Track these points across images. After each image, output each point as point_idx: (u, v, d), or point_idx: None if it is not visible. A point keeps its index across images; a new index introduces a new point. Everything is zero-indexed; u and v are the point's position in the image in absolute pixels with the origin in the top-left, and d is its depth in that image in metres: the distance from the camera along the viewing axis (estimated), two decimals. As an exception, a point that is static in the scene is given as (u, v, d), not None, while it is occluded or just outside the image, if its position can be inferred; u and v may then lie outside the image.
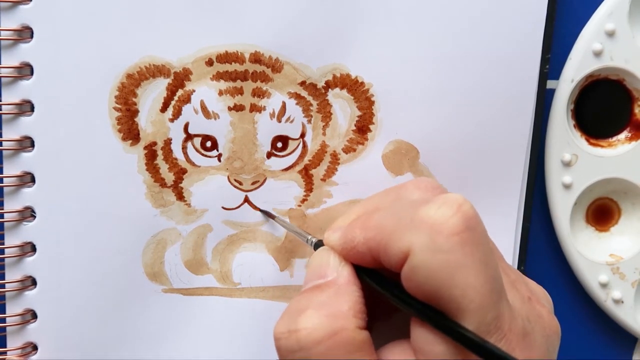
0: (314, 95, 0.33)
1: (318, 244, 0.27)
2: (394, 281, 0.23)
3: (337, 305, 0.23)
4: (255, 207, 0.33)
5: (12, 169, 0.32)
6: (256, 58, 0.32)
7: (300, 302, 0.23)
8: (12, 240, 0.33)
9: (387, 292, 0.23)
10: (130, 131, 0.32)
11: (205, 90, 0.32)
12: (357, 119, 0.33)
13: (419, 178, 0.27)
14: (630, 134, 0.36)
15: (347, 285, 0.24)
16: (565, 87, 0.35)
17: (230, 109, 0.32)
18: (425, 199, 0.23)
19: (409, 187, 0.26)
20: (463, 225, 0.21)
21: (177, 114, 0.32)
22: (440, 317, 0.21)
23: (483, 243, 0.22)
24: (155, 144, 0.33)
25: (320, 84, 0.33)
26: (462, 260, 0.21)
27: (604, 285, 0.36)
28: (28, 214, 0.33)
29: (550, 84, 0.35)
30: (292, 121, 0.33)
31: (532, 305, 0.24)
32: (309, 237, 0.29)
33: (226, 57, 0.32)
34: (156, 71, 0.32)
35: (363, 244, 0.23)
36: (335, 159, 0.33)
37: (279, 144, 0.33)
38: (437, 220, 0.21)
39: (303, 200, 0.33)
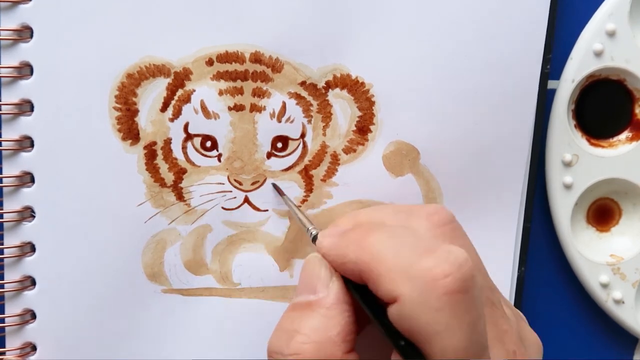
0: (314, 96, 0.33)
1: (316, 238, 0.27)
2: (381, 306, 0.23)
3: (327, 331, 0.23)
4: (255, 208, 0.33)
5: (11, 169, 0.32)
6: (256, 58, 0.32)
7: (293, 321, 0.24)
8: (12, 240, 0.32)
9: (375, 319, 0.23)
10: (130, 131, 0.32)
11: (206, 90, 0.32)
12: (357, 119, 0.33)
13: (435, 207, 0.26)
14: (630, 134, 0.36)
15: (336, 305, 0.24)
16: (566, 87, 0.34)
17: (230, 108, 0.32)
18: (430, 245, 0.23)
19: (421, 215, 0.26)
20: (458, 287, 0.21)
21: (177, 114, 0.32)
22: None
23: (475, 306, 0.22)
24: (155, 143, 0.32)
25: (321, 84, 0.33)
26: (449, 321, 0.21)
27: (604, 286, 0.36)
28: (27, 214, 0.33)
29: (551, 84, 0.35)
30: (292, 121, 0.33)
31: None
32: (310, 227, 0.28)
33: (226, 57, 0.32)
34: (156, 71, 0.32)
35: (354, 264, 0.24)
36: (335, 160, 0.33)
37: (279, 144, 0.33)
38: (435, 276, 0.21)
39: (303, 201, 0.33)
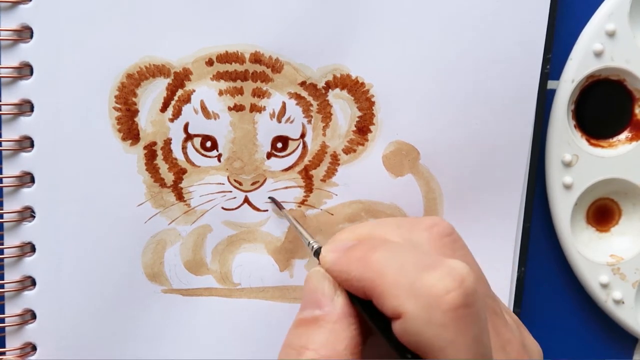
0: (314, 96, 0.33)
1: (318, 252, 0.27)
2: (386, 319, 0.23)
3: (335, 345, 0.23)
4: (255, 208, 0.33)
5: (11, 169, 0.32)
6: (256, 58, 0.32)
7: (301, 337, 0.24)
8: (12, 240, 0.33)
9: (381, 333, 0.23)
10: (130, 131, 0.32)
11: (205, 90, 0.32)
12: (357, 119, 0.33)
13: (434, 219, 0.27)
14: (630, 134, 0.36)
15: (342, 320, 0.24)
16: (566, 87, 0.34)
17: (230, 109, 0.32)
18: (432, 260, 0.23)
19: (421, 227, 0.26)
20: (462, 302, 0.21)
21: (177, 114, 0.32)
22: None
23: (479, 319, 0.22)
24: (155, 144, 0.33)
25: (321, 84, 0.33)
26: (453, 336, 0.21)
27: (604, 286, 0.36)
28: (27, 214, 0.33)
29: (550, 84, 0.35)
30: (292, 121, 0.33)
31: None
32: (311, 241, 0.28)
33: (226, 57, 0.32)
34: (156, 71, 0.32)
35: (357, 280, 0.24)
36: (335, 160, 0.33)
37: (279, 145, 0.33)
38: (438, 292, 0.21)
39: (303, 201, 0.33)
